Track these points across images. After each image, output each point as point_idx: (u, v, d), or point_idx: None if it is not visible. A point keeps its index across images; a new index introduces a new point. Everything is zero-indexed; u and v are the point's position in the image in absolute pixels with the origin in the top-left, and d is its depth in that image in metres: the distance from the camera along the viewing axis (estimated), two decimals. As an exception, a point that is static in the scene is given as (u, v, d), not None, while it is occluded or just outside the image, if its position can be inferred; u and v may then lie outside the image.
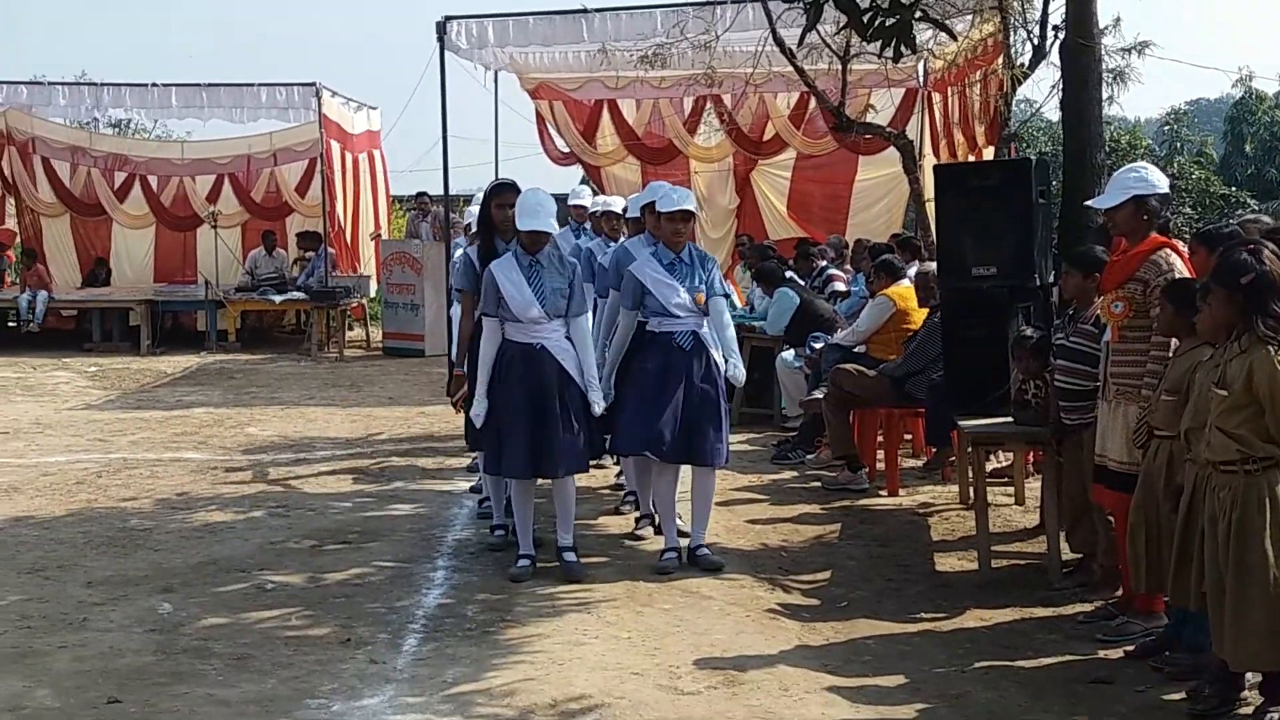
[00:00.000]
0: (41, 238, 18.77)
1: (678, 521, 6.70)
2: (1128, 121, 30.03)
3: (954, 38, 10.82)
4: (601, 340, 6.88)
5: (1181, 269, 5.25)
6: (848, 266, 12.00)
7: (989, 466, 7.59)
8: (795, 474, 8.83)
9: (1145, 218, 5.38)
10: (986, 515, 6.48)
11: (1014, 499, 7.75)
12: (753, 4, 11.00)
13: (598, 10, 12.78)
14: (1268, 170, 30.83)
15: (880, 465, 8.46)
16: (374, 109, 18.94)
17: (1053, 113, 9.83)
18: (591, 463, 6.85)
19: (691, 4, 11.42)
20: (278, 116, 17.23)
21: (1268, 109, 31.65)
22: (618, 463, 8.02)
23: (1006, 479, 7.99)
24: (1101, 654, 5.19)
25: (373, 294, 17.86)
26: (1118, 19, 10.22)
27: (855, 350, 8.84)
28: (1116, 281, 5.37)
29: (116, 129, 25.11)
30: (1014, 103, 10.67)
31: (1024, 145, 16.49)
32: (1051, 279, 7.09)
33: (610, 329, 6.87)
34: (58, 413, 11.70)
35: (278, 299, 16.61)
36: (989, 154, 11.26)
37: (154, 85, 16.86)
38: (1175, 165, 25.70)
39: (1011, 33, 10.28)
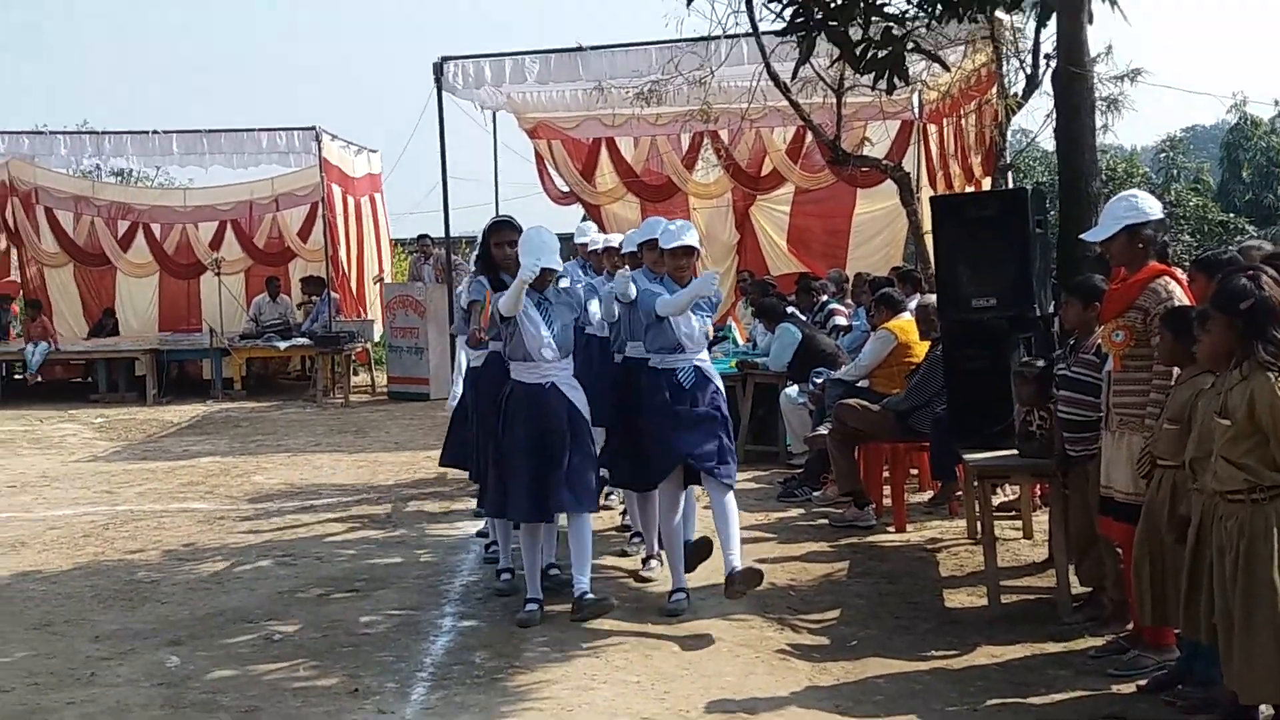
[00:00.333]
0: (46, 289, 18.86)
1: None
2: (1124, 150, 30.11)
3: (947, 69, 10.90)
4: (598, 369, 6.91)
5: (1181, 296, 5.24)
6: (849, 300, 12.01)
7: (996, 500, 7.58)
8: (802, 511, 8.81)
9: (1141, 246, 5.38)
10: (995, 550, 6.46)
11: (1022, 532, 7.72)
12: (746, 39, 11.09)
13: (593, 48, 12.90)
14: (1265, 196, 30.82)
15: (887, 501, 8.44)
16: (374, 152, 19.03)
17: (1048, 142, 9.88)
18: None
19: (686, 40, 11.52)
20: (278, 161, 17.33)
21: (1263, 134, 31.66)
22: (623, 502, 8.01)
23: (1014, 512, 7.96)
24: (1114, 689, 5.16)
25: (377, 338, 17.88)
26: (1109, 47, 10.35)
27: (858, 385, 8.83)
28: (1116, 310, 5.37)
29: (119, 177, 25.24)
30: (1009, 133, 10.71)
31: (1020, 175, 16.53)
32: (1051, 309, 7.09)
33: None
34: (64, 465, 11.72)
35: (282, 345, 16.64)
36: (986, 184, 11.29)
37: (155, 133, 16.97)
38: (1172, 193, 25.72)
39: (1004, 63, 10.35)
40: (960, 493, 8.11)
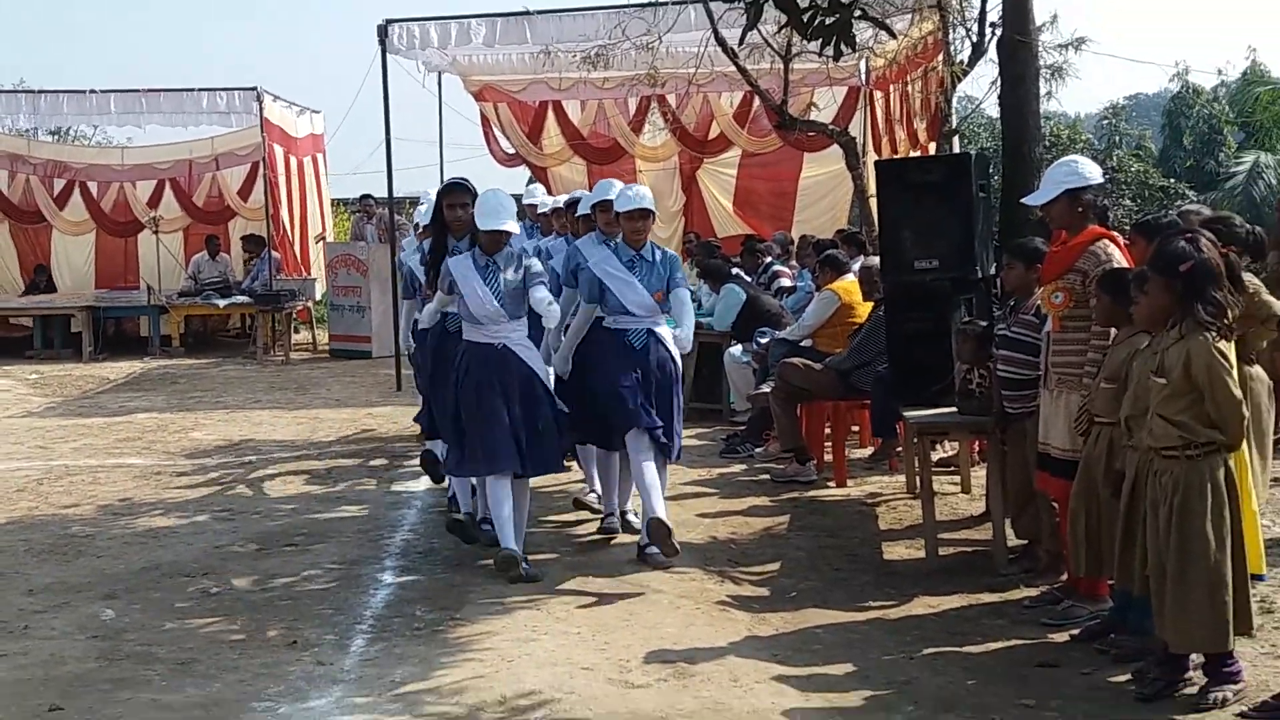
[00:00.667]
0: (-20, 246, 18.48)
1: (632, 519, 6.86)
2: (1068, 117, 30.33)
3: (894, 36, 10.91)
4: (557, 335, 6.89)
5: (1120, 259, 5.33)
6: (793, 262, 12.06)
7: (935, 456, 7.67)
8: (744, 467, 8.85)
9: (1081, 210, 5.47)
10: (933, 504, 6.53)
11: (960, 487, 7.82)
12: (694, 5, 11.05)
13: (539, 12, 12.77)
14: (1206, 162, 31.17)
15: (828, 457, 8.51)
16: (317, 113, 18.81)
17: (993, 108, 9.92)
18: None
19: (633, 5, 11.43)
20: (219, 121, 17.06)
21: (1205, 102, 32.02)
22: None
23: (952, 468, 8.06)
24: (1048, 638, 5.25)
25: (319, 297, 17.73)
26: (1055, 16, 10.35)
27: (802, 344, 8.88)
28: (1056, 273, 5.45)
29: (55, 136, 24.73)
30: (954, 99, 10.75)
31: (965, 141, 16.62)
32: (993, 271, 7.17)
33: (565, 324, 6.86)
34: (-3, 421, 11.52)
35: (222, 303, 16.44)
36: (931, 150, 11.35)
37: (93, 92, 16.72)
38: (1114, 159, 25.90)
39: (950, 30, 10.37)
40: (900, 449, 8.19)
